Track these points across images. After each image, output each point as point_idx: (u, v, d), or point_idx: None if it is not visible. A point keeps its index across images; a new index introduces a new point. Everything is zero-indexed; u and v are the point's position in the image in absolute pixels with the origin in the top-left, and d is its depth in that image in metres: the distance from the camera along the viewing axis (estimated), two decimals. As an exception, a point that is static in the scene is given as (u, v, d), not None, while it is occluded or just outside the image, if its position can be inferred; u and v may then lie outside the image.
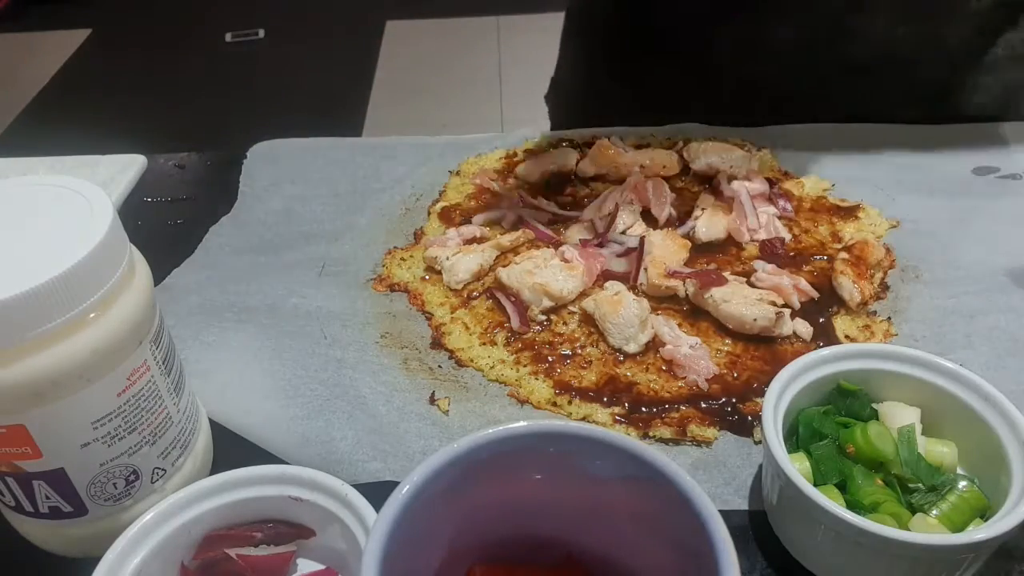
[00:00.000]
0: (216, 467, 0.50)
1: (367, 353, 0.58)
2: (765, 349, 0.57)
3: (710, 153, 0.74)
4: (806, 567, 0.43)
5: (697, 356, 0.55)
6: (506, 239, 0.67)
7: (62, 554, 0.46)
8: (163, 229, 0.74)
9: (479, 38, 3.28)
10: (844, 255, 0.63)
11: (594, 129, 0.82)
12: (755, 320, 0.56)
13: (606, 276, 0.63)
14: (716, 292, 0.58)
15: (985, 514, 0.41)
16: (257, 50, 3.39)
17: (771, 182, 0.71)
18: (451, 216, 0.71)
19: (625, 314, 0.57)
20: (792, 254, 0.65)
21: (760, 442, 0.51)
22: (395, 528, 0.31)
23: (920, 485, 0.42)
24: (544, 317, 0.60)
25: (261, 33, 3.47)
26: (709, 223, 0.67)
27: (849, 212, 0.69)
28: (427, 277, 0.65)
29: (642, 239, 0.64)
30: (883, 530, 0.37)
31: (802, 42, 0.78)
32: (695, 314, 0.60)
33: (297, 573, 0.44)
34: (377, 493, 0.37)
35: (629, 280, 0.62)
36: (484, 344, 0.58)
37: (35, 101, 3.09)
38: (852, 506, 0.41)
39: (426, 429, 0.52)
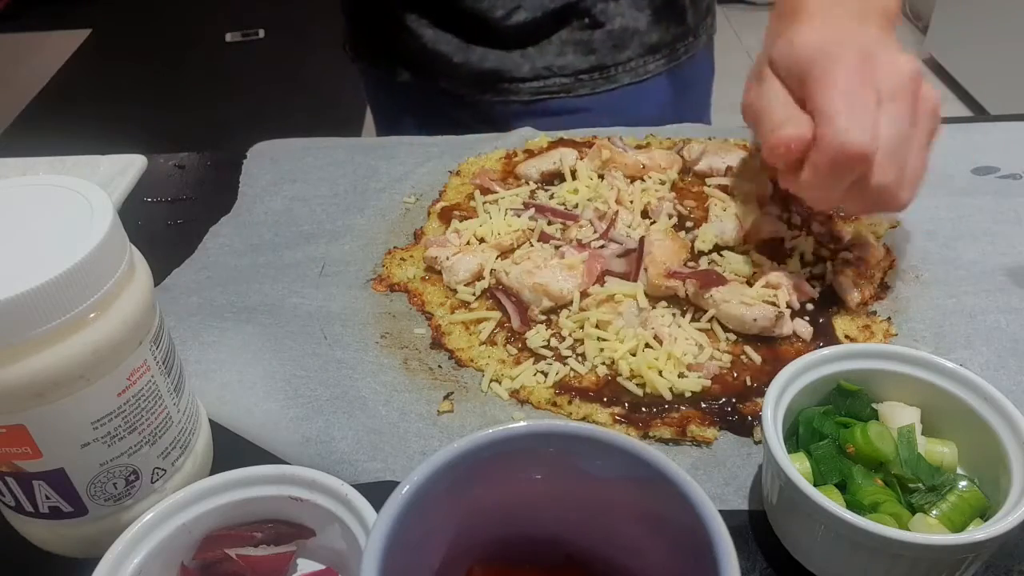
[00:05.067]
0: (216, 467, 0.50)
1: (367, 353, 0.58)
2: (765, 349, 0.57)
3: (710, 153, 0.74)
4: (806, 567, 0.43)
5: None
6: (506, 239, 0.67)
7: (62, 554, 0.46)
8: (163, 229, 0.74)
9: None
10: (844, 255, 0.63)
11: (594, 129, 0.82)
12: (755, 320, 0.56)
13: (606, 276, 0.63)
14: (716, 292, 0.58)
15: (985, 514, 0.41)
16: (257, 50, 3.39)
17: (772, 182, 0.71)
18: (451, 216, 0.71)
19: (625, 314, 0.57)
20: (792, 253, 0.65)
21: (760, 442, 0.51)
22: (395, 528, 0.31)
23: (920, 485, 0.42)
24: (544, 317, 0.60)
25: (261, 33, 3.47)
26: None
27: (849, 212, 0.69)
28: (427, 277, 0.65)
29: (642, 239, 0.64)
30: (883, 530, 0.37)
31: None
32: (695, 314, 0.60)
33: (297, 573, 0.44)
34: (377, 493, 0.37)
35: (629, 280, 0.62)
36: (484, 344, 0.58)
37: (35, 101, 3.09)
38: (852, 506, 0.41)
39: (426, 429, 0.52)
